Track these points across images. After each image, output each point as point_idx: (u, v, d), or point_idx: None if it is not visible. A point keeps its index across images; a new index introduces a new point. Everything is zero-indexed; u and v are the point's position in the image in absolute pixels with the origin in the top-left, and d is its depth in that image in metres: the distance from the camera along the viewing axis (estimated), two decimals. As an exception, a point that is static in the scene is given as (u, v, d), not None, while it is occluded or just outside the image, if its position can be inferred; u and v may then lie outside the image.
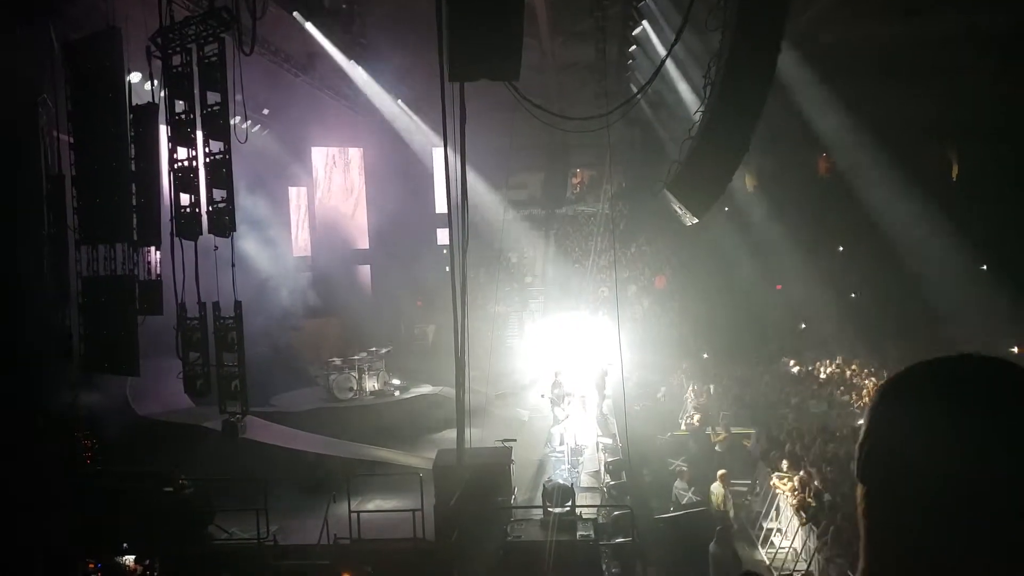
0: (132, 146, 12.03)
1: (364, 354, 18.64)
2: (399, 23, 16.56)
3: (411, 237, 24.07)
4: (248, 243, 17.35)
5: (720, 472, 13.08)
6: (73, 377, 12.33)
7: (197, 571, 10.39)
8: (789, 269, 22.73)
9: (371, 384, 18.33)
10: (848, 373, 20.03)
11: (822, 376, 20.25)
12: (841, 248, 25.12)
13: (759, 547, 13.22)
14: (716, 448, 15.90)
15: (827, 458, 13.75)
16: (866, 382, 18.98)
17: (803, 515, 12.18)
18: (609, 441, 14.38)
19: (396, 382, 18.89)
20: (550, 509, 9.87)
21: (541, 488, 10.57)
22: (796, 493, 12.70)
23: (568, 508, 9.89)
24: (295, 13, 15.46)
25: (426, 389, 18.63)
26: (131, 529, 10.48)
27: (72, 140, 12.23)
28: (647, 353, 19.29)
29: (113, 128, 11.96)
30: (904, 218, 21.45)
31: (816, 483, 12.68)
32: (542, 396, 15.86)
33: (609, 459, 13.16)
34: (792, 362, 21.24)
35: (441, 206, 22.90)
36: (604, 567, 9.53)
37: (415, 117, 22.16)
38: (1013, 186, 20.62)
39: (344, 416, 17.09)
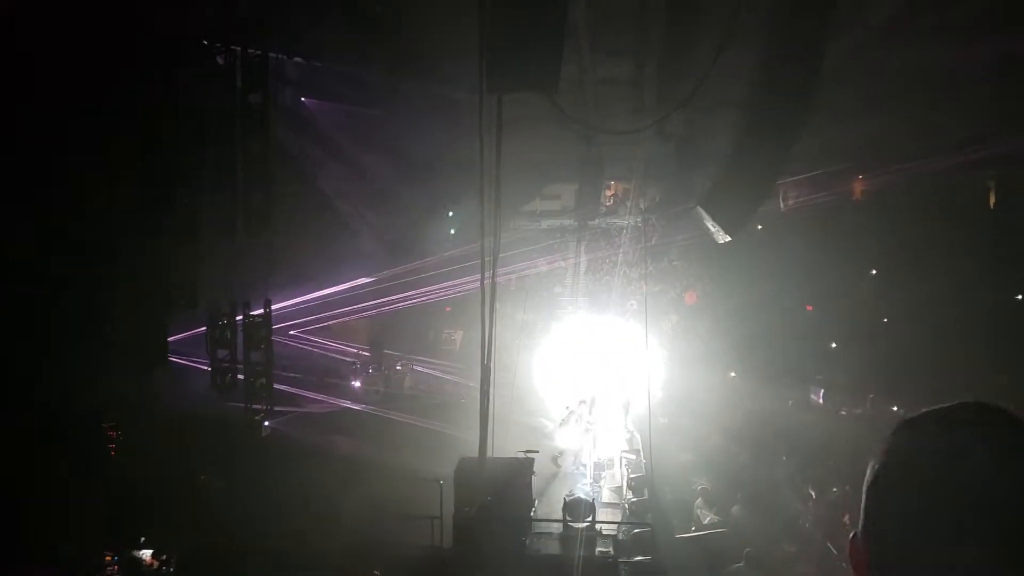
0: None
1: (391, 357, 18.76)
2: (440, 31, 16.63)
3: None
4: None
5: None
6: (103, 368, 12.53)
7: (213, 568, 10.48)
8: (821, 290, 22.45)
9: (397, 387, 18.43)
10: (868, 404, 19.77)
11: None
12: (874, 272, 24.77)
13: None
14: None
15: (854, 482, 13.56)
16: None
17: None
18: (633, 457, 14.27)
19: (422, 387, 18.96)
20: (570, 523, 9.81)
21: (562, 502, 10.52)
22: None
23: (588, 523, 9.83)
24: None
25: (451, 395, 18.67)
26: (150, 523, 10.61)
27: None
28: (675, 368, 19.16)
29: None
30: (939, 246, 21.10)
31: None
32: (567, 408, 15.80)
33: (632, 475, 13.06)
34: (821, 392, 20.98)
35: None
36: (622, 585, 9.45)
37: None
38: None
39: (368, 419, 17.19)
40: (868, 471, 1.09)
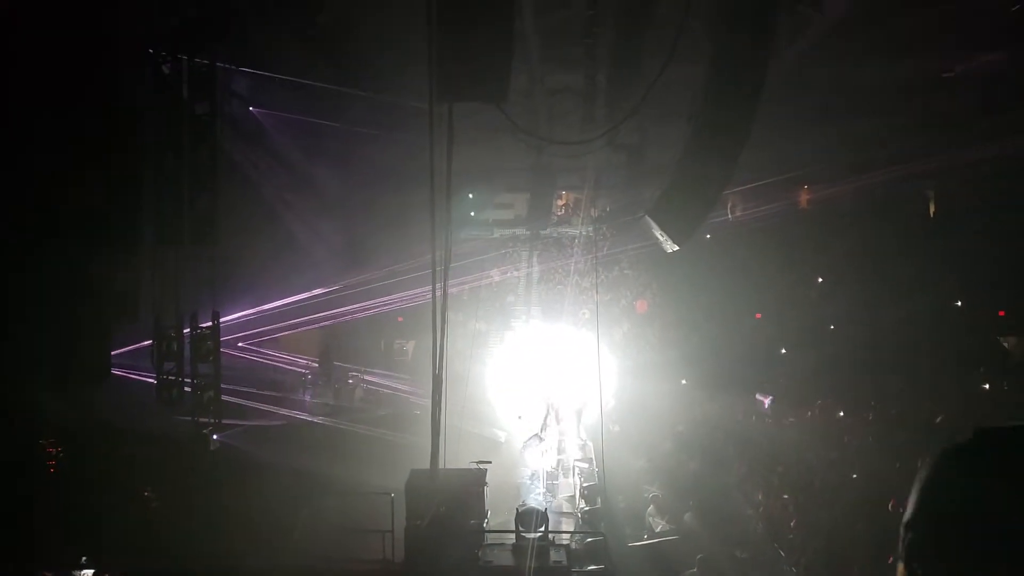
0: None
1: (341, 369, 18.54)
2: (388, 41, 16.55)
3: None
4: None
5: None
6: (41, 382, 12.10)
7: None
8: (769, 298, 22.90)
9: (347, 399, 18.21)
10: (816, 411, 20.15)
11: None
12: (820, 279, 25.36)
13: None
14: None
15: (802, 487, 13.81)
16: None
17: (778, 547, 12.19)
18: (586, 466, 14.31)
19: (373, 399, 18.76)
20: (523, 534, 9.79)
21: (515, 512, 10.49)
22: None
23: (541, 533, 9.82)
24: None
25: (402, 406, 18.51)
26: (91, 542, 10.28)
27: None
28: (627, 376, 19.31)
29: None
30: (882, 255, 21.75)
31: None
32: (519, 418, 15.79)
33: (585, 484, 13.10)
34: (768, 398, 21.33)
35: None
36: (575, 594, 9.46)
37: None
38: (985, 226, 20.91)
39: (319, 431, 16.94)
40: (908, 506, 1.11)
